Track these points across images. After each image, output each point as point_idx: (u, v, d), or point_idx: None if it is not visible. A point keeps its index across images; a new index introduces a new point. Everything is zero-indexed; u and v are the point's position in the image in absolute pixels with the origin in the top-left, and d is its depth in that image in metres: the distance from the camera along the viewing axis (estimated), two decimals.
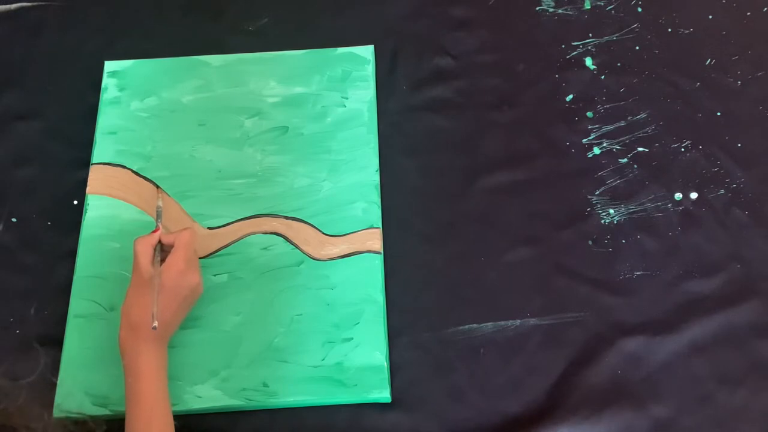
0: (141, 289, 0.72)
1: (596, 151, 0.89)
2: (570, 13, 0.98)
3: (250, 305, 0.80)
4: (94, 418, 0.74)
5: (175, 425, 0.70)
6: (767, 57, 0.95)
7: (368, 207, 0.85)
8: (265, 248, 0.83)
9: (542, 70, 0.95)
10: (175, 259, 0.73)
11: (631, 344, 0.78)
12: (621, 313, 0.80)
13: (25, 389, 0.73)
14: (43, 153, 0.91)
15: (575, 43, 0.96)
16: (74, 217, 0.86)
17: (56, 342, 0.79)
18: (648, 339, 0.78)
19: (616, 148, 0.89)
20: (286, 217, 0.84)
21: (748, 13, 0.98)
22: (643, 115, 0.91)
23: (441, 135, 0.91)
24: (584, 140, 0.90)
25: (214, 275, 0.81)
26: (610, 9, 0.98)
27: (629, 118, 0.91)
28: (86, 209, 0.85)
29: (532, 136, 0.90)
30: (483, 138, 0.90)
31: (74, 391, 0.76)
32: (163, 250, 0.75)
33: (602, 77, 0.94)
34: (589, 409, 0.75)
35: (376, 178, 0.86)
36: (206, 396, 0.76)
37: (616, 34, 0.97)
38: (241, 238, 0.83)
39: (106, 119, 0.90)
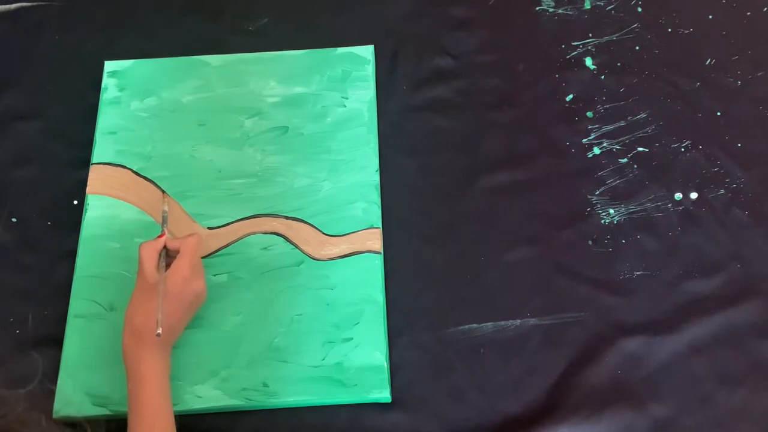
0: (145, 294, 0.72)
1: (596, 151, 0.89)
2: (570, 13, 0.98)
3: (250, 305, 0.80)
4: (94, 419, 0.74)
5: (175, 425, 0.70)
6: (767, 57, 0.95)
7: (368, 207, 0.85)
8: (265, 248, 0.83)
9: (542, 70, 0.95)
10: (180, 265, 0.72)
11: (631, 344, 0.78)
12: (621, 313, 0.80)
13: (24, 389, 0.73)
14: (43, 153, 0.91)
15: (575, 43, 0.96)
16: (74, 217, 0.86)
17: (56, 342, 0.79)
18: (648, 339, 0.78)
19: (616, 148, 0.89)
20: (286, 217, 0.84)
21: (748, 13, 0.98)
22: (643, 115, 0.91)
23: (441, 135, 0.91)
24: (584, 140, 0.90)
25: (214, 275, 0.81)
26: (610, 9, 0.98)
27: (629, 118, 0.91)
28: (86, 209, 0.85)
29: (532, 136, 0.90)
30: (483, 138, 0.90)
31: (74, 391, 0.76)
32: (168, 256, 0.75)
33: (602, 77, 0.94)
34: (589, 409, 0.75)
35: (376, 178, 0.86)
36: (206, 396, 0.76)
37: (616, 34, 0.97)
38: (241, 238, 0.83)
39: (106, 119, 0.90)
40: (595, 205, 0.86)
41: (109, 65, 0.94)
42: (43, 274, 0.84)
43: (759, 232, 0.84)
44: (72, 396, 0.75)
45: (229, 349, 0.78)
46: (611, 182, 0.87)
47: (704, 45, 0.96)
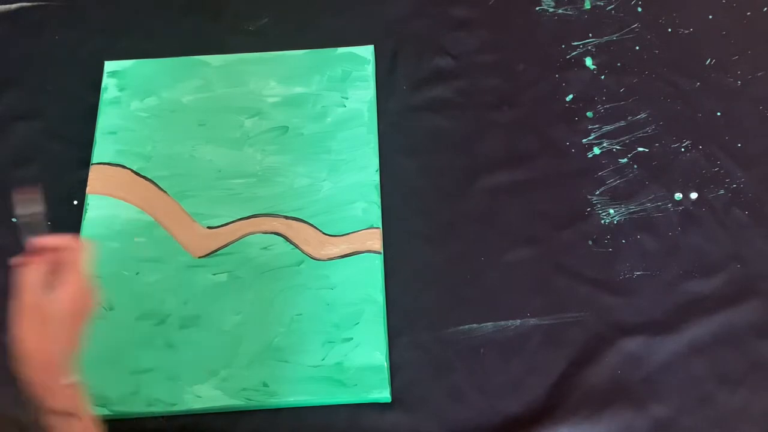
0: (36, 321, 0.61)
1: (596, 151, 0.89)
2: (570, 13, 0.98)
3: (250, 305, 0.80)
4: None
5: (175, 425, 0.69)
6: (767, 57, 0.95)
7: (368, 207, 0.85)
8: (265, 248, 0.83)
9: (542, 70, 0.95)
10: (68, 283, 0.62)
11: (631, 344, 0.78)
12: (621, 313, 0.80)
13: (25, 389, 0.72)
14: (43, 153, 0.91)
15: (575, 43, 0.96)
16: (74, 217, 0.86)
17: None
18: (648, 339, 0.78)
19: (616, 148, 0.89)
20: (286, 217, 0.84)
21: (748, 13, 0.98)
22: (643, 115, 0.91)
23: (441, 135, 0.91)
24: (584, 140, 0.90)
25: (214, 275, 0.81)
26: (610, 9, 0.98)
27: (629, 118, 0.91)
28: (86, 209, 0.85)
29: (532, 136, 0.90)
30: (483, 138, 0.90)
31: None
32: (52, 271, 0.62)
33: (602, 77, 0.94)
34: (589, 409, 0.75)
35: (376, 178, 0.86)
36: (206, 396, 0.76)
37: (616, 34, 0.97)
38: (241, 237, 0.83)
39: (106, 119, 0.90)
40: (595, 205, 0.86)
41: (109, 65, 0.94)
42: None
43: (759, 232, 0.84)
44: None
45: (229, 349, 0.78)
46: (611, 182, 0.87)
47: (704, 45, 0.96)
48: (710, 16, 0.98)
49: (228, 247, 0.83)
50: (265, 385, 0.76)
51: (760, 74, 0.94)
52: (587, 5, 0.99)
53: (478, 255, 0.84)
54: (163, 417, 0.76)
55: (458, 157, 0.89)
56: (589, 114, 0.91)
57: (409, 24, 0.98)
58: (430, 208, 0.86)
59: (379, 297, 0.80)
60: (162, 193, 0.86)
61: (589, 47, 0.96)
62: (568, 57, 0.95)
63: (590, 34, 0.97)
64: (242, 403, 0.75)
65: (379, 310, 0.79)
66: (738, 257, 0.83)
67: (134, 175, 0.87)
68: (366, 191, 0.86)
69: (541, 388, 0.77)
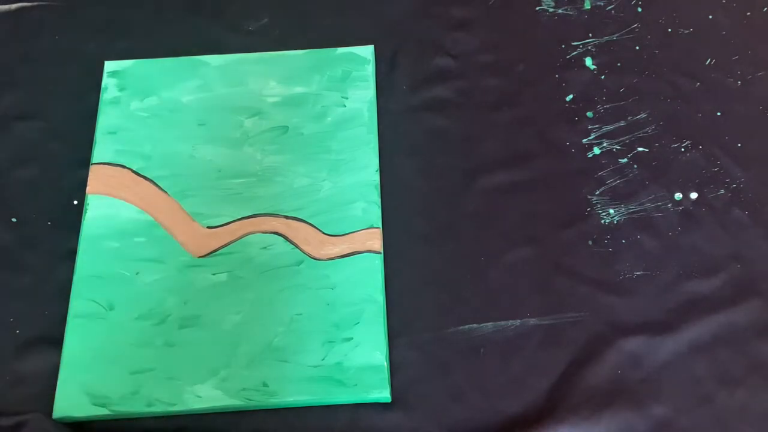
0: None
1: (596, 151, 0.89)
2: (570, 13, 0.99)
3: (250, 304, 0.80)
4: (94, 419, 0.75)
5: (175, 425, 0.70)
6: (767, 57, 0.95)
7: (368, 207, 0.85)
8: (265, 247, 0.83)
9: (542, 70, 0.95)
10: None
11: (631, 344, 0.78)
12: (621, 313, 0.80)
13: (24, 390, 0.73)
14: (43, 153, 0.91)
15: (575, 43, 0.96)
16: (74, 217, 0.86)
17: (56, 342, 0.79)
18: (648, 339, 0.78)
19: (616, 148, 0.89)
20: (286, 217, 0.84)
21: (748, 13, 0.98)
22: (643, 115, 0.91)
23: (441, 135, 0.91)
24: (584, 140, 0.90)
25: (214, 274, 0.81)
26: (610, 9, 0.99)
27: (629, 118, 0.91)
28: (86, 209, 0.85)
29: (532, 136, 0.90)
30: (483, 138, 0.90)
31: (74, 391, 0.76)
32: None
33: (602, 77, 0.94)
34: (589, 409, 0.75)
35: (376, 178, 0.86)
36: (206, 396, 0.76)
37: (616, 34, 0.97)
38: (240, 237, 0.83)
39: (106, 119, 0.90)
40: (595, 205, 0.86)
41: (109, 65, 0.94)
42: (43, 274, 0.84)
43: (759, 232, 0.84)
44: (72, 396, 0.75)
45: (228, 349, 0.78)
46: (611, 182, 0.87)
47: (704, 45, 0.96)
48: (710, 16, 0.98)
49: (228, 246, 0.83)
50: (265, 385, 0.76)
51: (760, 74, 0.94)
52: (587, 5, 0.99)
53: (478, 255, 0.84)
54: None
55: (458, 157, 0.89)
56: (589, 114, 0.92)
57: (409, 24, 0.98)
58: (430, 208, 0.86)
59: (379, 297, 0.80)
60: (162, 192, 0.86)
61: (589, 47, 0.96)
62: (568, 57, 0.95)
63: (590, 34, 0.97)
64: (242, 403, 0.75)
65: (379, 310, 0.79)
66: (738, 257, 0.83)
67: (134, 174, 0.87)
68: (366, 191, 0.86)
69: (541, 388, 0.77)
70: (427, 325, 0.80)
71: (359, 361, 0.77)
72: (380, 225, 0.84)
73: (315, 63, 0.94)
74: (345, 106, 0.91)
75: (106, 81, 0.93)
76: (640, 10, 0.98)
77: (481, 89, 0.94)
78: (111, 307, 0.80)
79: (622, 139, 0.90)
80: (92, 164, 0.88)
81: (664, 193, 0.86)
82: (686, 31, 0.97)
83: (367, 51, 0.94)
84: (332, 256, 0.82)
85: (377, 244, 0.83)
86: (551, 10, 0.99)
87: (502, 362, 0.78)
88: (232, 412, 0.76)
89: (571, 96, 0.93)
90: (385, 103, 0.92)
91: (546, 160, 0.89)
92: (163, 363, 0.77)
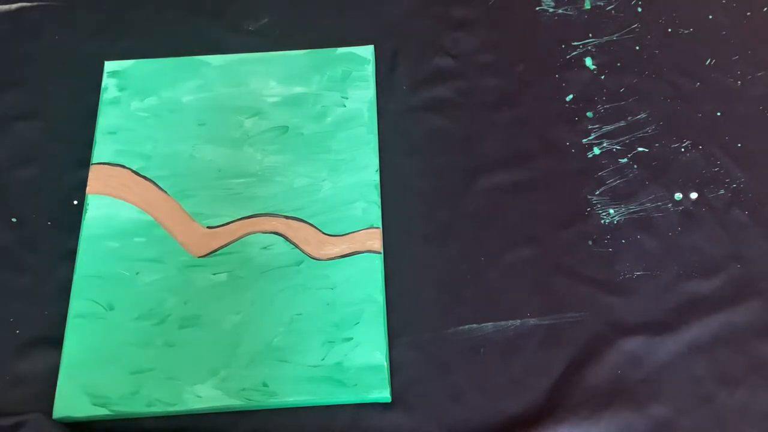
0: None
1: (596, 151, 0.89)
2: (570, 13, 0.99)
3: (250, 304, 0.80)
4: (94, 419, 0.75)
5: (175, 425, 0.70)
6: (767, 57, 0.95)
7: (368, 207, 0.85)
8: (265, 247, 0.83)
9: (542, 70, 0.95)
10: None
11: (631, 344, 0.78)
12: (621, 313, 0.80)
13: (24, 390, 0.73)
14: (43, 153, 0.91)
15: (575, 43, 0.96)
16: (74, 217, 0.86)
17: (56, 342, 0.79)
18: (648, 339, 0.78)
19: (616, 148, 0.89)
20: (286, 217, 0.84)
21: (748, 13, 0.98)
22: (643, 115, 0.91)
23: (441, 135, 0.91)
24: (584, 140, 0.90)
25: (214, 274, 0.81)
26: (610, 9, 0.99)
27: (629, 118, 0.91)
28: (86, 209, 0.85)
29: (532, 136, 0.90)
30: (483, 138, 0.90)
31: (74, 391, 0.76)
32: None
33: (602, 77, 0.94)
34: (589, 409, 0.75)
35: (376, 178, 0.86)
36: (206, 396, 0.76)
37: (616, 34, 0.97)
38: (240, 237, 0.83)
39: (106, 119, 0.90)
40: (595, 205, 0.86)
41: (109, 65, 0.94)
42: (43, 274, 0.84)
43: (759, 232, 0.84)
44: (72, 396, 0.75)
45: (228, 349, 0.78)
46: (611, 182, 0.87)
47: (704, 45, 0.96)
48: (710, 16, 0.98)
49: (228, 246, 0.83)
50: (265, 385, 0.76)
51: (760, 74, 0.94)
52: (587, 5, 0.99)
53: (478, 255, 0.84)
54: None
55: (458, 157, 0.89)
56: (589, 114, 0.92)
57: (409, 24, 0.98)
58: (430, 208, 0.86)
59: (379, 297, 0.80)
60: (162, 192, 0.86)
61: (589, 47, 0.96)
62: (568, 57, 0.95)
63: (590, 34, 0.97)
64: (242, 403, 0.75)
65: (379, 310, 0.79)
66: (738, 257, 0.83)
67: (134, 175, 0.87)
68: (366, 191, 0.86)
69: (541, 388, 0.77)
70: (427, 325, 0.80)
71: (359, 361, 0.77)
72: (380, 225, 0.84)
73: (315, 63, 0.94)
74: (345, 106, 0.91)
75: (106, 81, 0.93)
76: (640, 10, 0.98)
77: (481, 89, 0.94)
78: (111, 307, 0.80)
79: (622, 139, 0.90)
80: (92, 164, 0.88)
81: (664, 193, 0.86)
82: (686, 31, 0.97)
83: (367, 51, 0.94)
84: (332, 256, 0.82)
85: (377, 244, 0.83)
86: (551, 10, 0.99)
87: (502, 362, 0.78)
88: (232, 412, 0.76)
89: (571, 96, 0.93)
90: (385, 103, 0.93)
91: (546, 160, 0.89)
92: (163, 363, 0.77)
